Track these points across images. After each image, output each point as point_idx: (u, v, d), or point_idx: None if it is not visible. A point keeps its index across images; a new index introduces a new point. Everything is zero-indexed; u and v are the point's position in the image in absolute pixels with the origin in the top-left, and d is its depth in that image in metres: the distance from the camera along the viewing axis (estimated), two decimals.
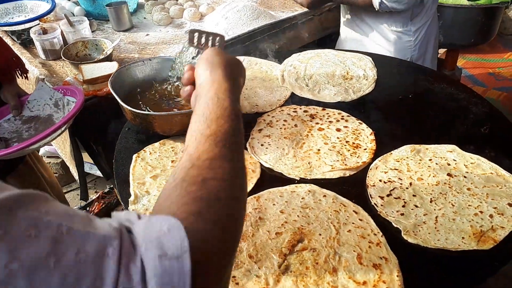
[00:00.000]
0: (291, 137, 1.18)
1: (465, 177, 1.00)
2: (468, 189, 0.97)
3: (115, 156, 1.11)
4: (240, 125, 0.61)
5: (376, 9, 1.76)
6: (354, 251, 0.84)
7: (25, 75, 1.42)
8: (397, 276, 0.79)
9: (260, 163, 1.09)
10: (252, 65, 1.53)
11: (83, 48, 1.89)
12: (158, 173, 1.04)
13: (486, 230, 0.87)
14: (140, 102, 1.20)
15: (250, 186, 1.01)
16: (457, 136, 1.13)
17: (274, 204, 0.95)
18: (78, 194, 2.78)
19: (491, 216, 0.90)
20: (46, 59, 1.89)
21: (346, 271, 0.80)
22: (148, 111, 1.07)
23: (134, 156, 1.09)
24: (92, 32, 2.06)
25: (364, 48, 1.90)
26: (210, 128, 0.57)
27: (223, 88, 0.64)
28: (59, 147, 2.02)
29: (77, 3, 2.27)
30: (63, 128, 1.27)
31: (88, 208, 2.49)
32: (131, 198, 0.95)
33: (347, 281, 0.78)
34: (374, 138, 1.16)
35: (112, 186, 2.55)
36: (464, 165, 1.04)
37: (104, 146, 1.79)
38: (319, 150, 1.13)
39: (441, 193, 0.97)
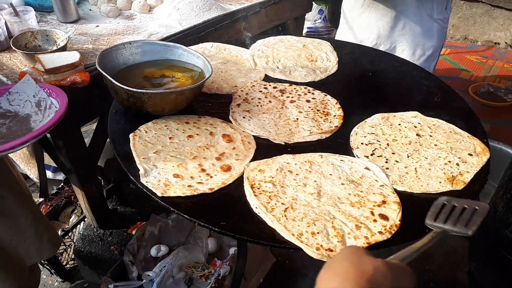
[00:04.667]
0: (269, 111, 1.27)
1: (430, 136, 1.18)
2: (435, 145, 1.14)
3: (110, 137, 1.10)
4: None
5: None
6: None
7: None
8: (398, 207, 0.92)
9: (252, 135, 1.16)
10: (221, 50, 1.59)
11: (32, 39, 1.80)
12: (159, 149, 1.06)
13: (456, 175, 1.04)
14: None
15: (250, 156, 1.08)
16: (416, 105, 1.30)
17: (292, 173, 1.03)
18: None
19: (457, 164, 1.07)
20: None
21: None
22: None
23: (131, 135, 1.09)
24: None
25: (399, 41, 2.03)
26: None
27: None
28: None
29: None
30: (40, 137, 1.22)
31: None
32: (142, 172, 0.97)
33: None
34: (340, 106, 1.30)
35: (60, 186, 2.43)
36: (428, 127, 1.21)
37: (65, 139, 1.73)
38: (297, 119, 1.24)
39: (414, 149, 1.13)
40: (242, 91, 1.35)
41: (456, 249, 2.26)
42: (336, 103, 1.32)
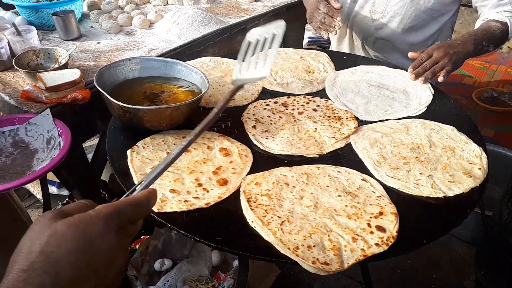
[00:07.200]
0: (284, 126, 1.25)
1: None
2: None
3: (108, 153, 1.11)
4: None
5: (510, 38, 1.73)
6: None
7: None
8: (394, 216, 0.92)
9: (252, 148, 1.16)
10: (219, 64, 1.60)
11: (34, 57, 1.83)
12: (157, 164, 1.07)
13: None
14: (121, 101, 1.22)
15: (246, 169, 1.08)
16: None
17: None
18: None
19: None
20: None
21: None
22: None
23: (129, 151, 1.10)
24: None
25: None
26: None
27: None
28: None
29: (17, 13, 2.18)
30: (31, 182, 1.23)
31: None
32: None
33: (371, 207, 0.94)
34: (346, 109, 1.33)
35: (65, 201, 2.44)
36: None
37: (67, 155, 1.75)
38: (315, 129, 1.24)
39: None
40: (247, 113, 1.32)
41: (463, 257, 2.23)
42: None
